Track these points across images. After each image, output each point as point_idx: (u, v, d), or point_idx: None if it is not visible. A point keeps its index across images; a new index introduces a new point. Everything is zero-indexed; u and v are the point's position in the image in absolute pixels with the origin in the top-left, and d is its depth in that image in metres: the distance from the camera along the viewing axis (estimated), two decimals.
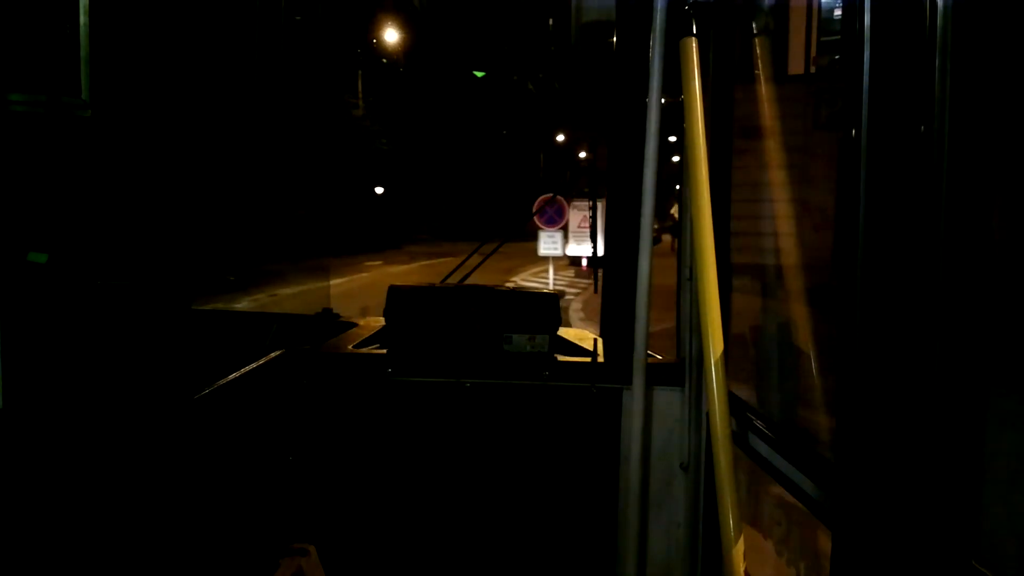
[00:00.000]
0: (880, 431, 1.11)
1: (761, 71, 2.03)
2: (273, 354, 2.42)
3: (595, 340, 2.71)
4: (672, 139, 2.14)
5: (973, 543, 1.05)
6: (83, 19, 2.00)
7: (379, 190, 34.78)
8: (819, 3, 1.84)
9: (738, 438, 1.79)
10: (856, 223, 1.11)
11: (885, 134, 1.09)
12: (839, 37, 1.62)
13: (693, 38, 1.92)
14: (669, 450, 2.30)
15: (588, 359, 2.44)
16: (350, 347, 2.56)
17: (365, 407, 2.39)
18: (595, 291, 2.73)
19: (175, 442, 2.22)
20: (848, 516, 1.18)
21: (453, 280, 2.92)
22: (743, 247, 2.11)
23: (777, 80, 2.00)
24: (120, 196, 2.20)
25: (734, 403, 1.80)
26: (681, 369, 2.28)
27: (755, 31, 2.07)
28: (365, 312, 5.07)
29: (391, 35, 28.20)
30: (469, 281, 2.81)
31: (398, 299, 2.48)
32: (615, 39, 2.44)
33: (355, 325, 2.96)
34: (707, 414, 1.78)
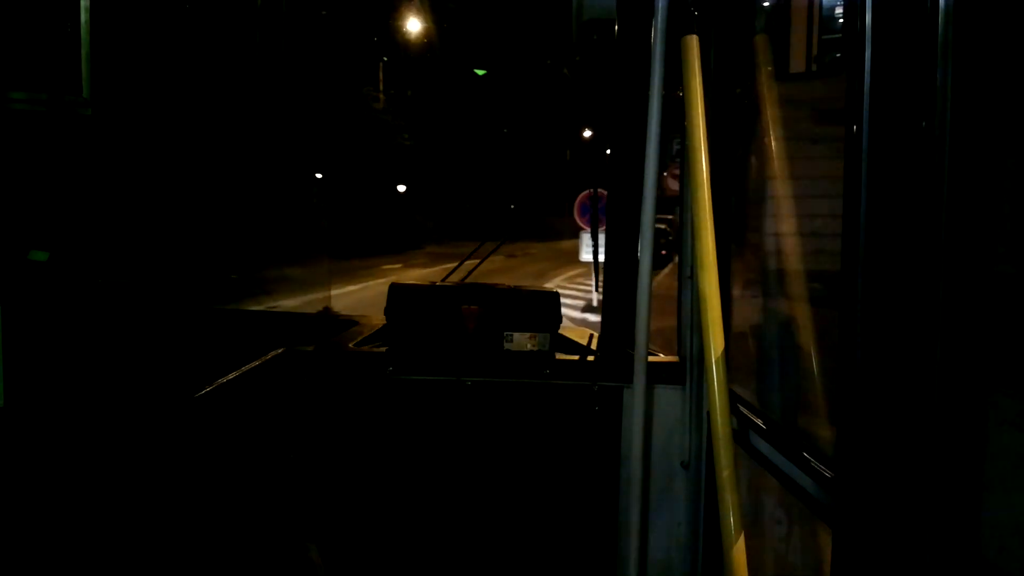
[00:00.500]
0: (881, 430, 1.11)
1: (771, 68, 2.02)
2: (274, 352, 2.42)
3: (596, 338, 2.71)
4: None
5: (974, 542, 1.05)
6: (84, 18, 2.00)
7: (401, 188, 32.97)
8: (821, 1, 1.84)
9: (739, 437, 1.79)
10: (857, 222, 1.11)
11: (887, 133, 1.09)
12: (840, 35, 1.62)
13: (695, 36, 1.91)
14: (670, 448, 2.30)
15: (589, 357, 2.44)
16: (351, 345, 2.57)
17: (366, 405, 2.39)
18: (595, 289, 2.72)
19: (176, 440, 2.22)
20: (848, 515, 1.18)
21: (455, 279, 2.92)
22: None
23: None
24: (121, 194, 2.20)
25: (735, 402, 1.80)
26: (682, 368, 2.28)
27: (756, 29, 2.07)
28: None
29: (414, 24, 26.33)
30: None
31: (399, 297, 2.48)
32: (616, 36, 2.44)
33: (356, 323, 2.96)
34: (708, 413, 1.78)
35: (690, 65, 1.89)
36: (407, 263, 21.94)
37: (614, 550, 2.29)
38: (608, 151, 2.63)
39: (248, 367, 2.28)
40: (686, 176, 1.99)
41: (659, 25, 1.95)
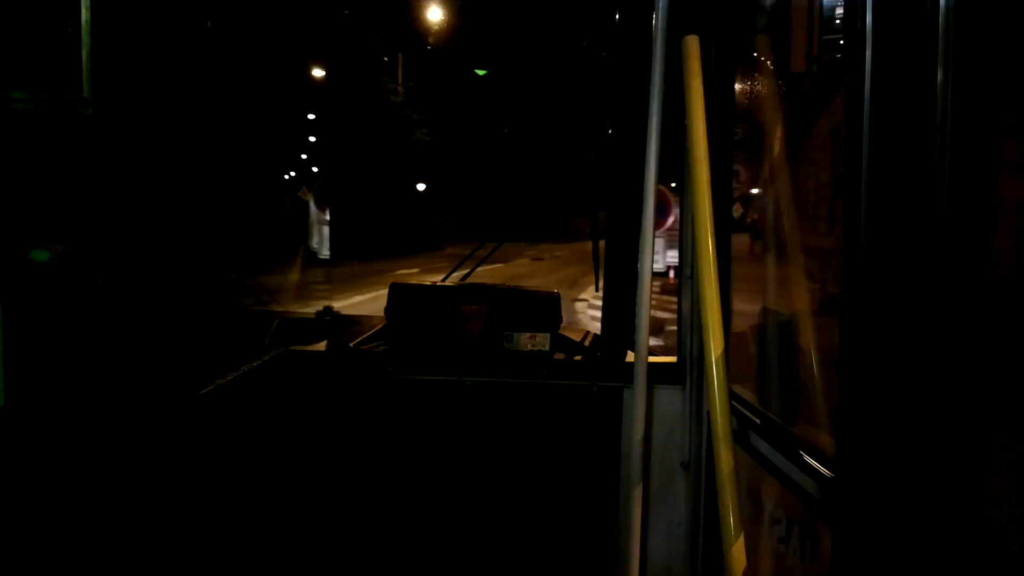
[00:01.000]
0: (881, 430, 1.11)
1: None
2: (274, 352, 2.42)
3: (596, 339, 2.71)
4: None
5: (974, 542, 1.05)
6: (85, 17, 2.00)
7: (420, 187, 31.07)
8: (821, 1, 1.83)
9: (739, 437, 1.79)
10: (857, 222, 1.11)
11: (887, 132, 1.09)
12: (840, 35, 1.62)
13: (695, 36, 1.91)
14: (670, 449, 2.30)
15: (589, 358, 2.45)
16: (351, 345, 2.57)
17: (366, 405, 2.39)
18: (596, 289, 2.71)
19: (176, 440, 2.22)
20: (848, 515, 1.18)
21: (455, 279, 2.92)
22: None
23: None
24: (122, 194, 2.20)
25: (735, 402, 1.80)
26: (682, 368, 2.28)
27: (757, 29, 2.07)
28: None
29: (435, 13, 24.82)
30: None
31: (399, 297, 2.48)
32: (617, 37, 2.44)
33: (356, 323, 2.96)
34: (708, 413, 1.78)
35: (690, 65, 1.89)
36: (426, 266, 19.27)
37: (614, 550, 2.29)
38: (607, 152, 2.63)
39: (249, 367, 2.29)
40: (687, 177, 1.99)
41: (659, 25, 1.95)
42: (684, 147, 1.98)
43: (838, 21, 1.64)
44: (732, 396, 1.78)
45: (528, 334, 2.39)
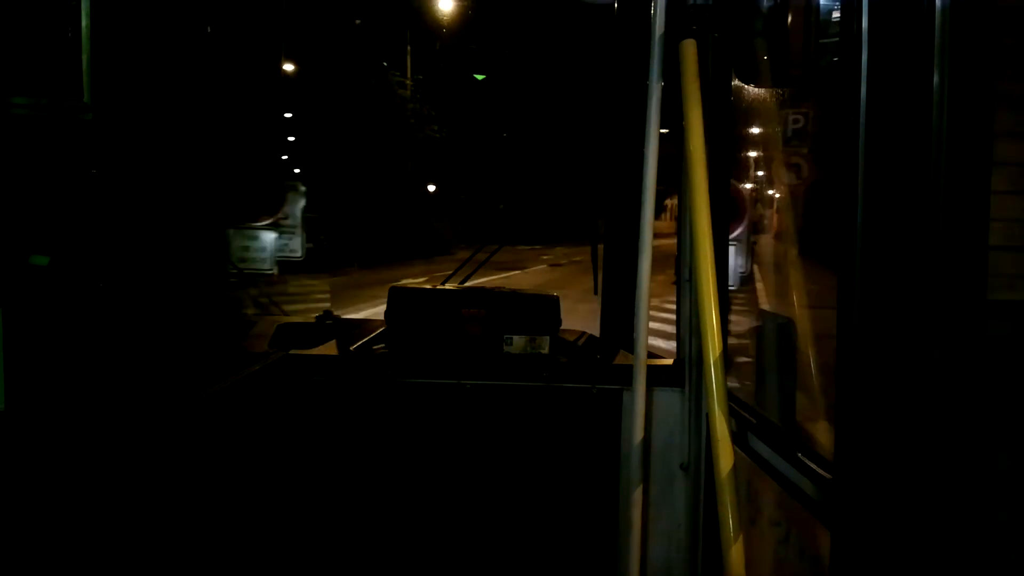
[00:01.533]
0: (879, 432, 1.11)
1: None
2: (275, 356, 2.42)
3: (591, 340, 2.72)
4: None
5: (970, 542, 1.06)
6: (85, 23, 2.01)
7: (431, 188, 29.40)
8: (818, 4, 1.84)
9: (738, 439, 1.80)
10: (854, 224, 1.12)
11: (883, 135, 1.10)
12: (837, 39, 1.63)
13: (692, 40, 1.92)
14: (669, 451, 2.30)
15: (588, 360, 2.45)
16: (351, 348, 2.57)
17: (366, 408, 2.39)
18: (595, 292, 2.72)
19: (176, 443, 2.23)
20: (847, 516, 1.18)
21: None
22: None
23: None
24: (123, 199, 2.21)
25: (733, 404, 1.80)
26: (681, 370, 2.28)
27: (754, 33, 2.08)
28: None
29: (447, 2, 23.12)
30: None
31: (399, 301, 2.48)
32: (615, 41, 2.45)
33: (356, 326, 2.96)
34: (707, 415, 1.79)
35: (688, 69, 1.90)
36: (431, 272, 16.47)
37: (614, 551, 2.30)
38: (607, 154, 2.64)
39: (249, 370, 2.29)
40: (685, 179, 2.00)
41: (657, 30, 1.96)
42: (682, 150, 1.98)
43: (835, 24, 1.65)
44: (731, 398, 1.79)
45: (528, 337, 2.39)
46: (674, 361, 2.33)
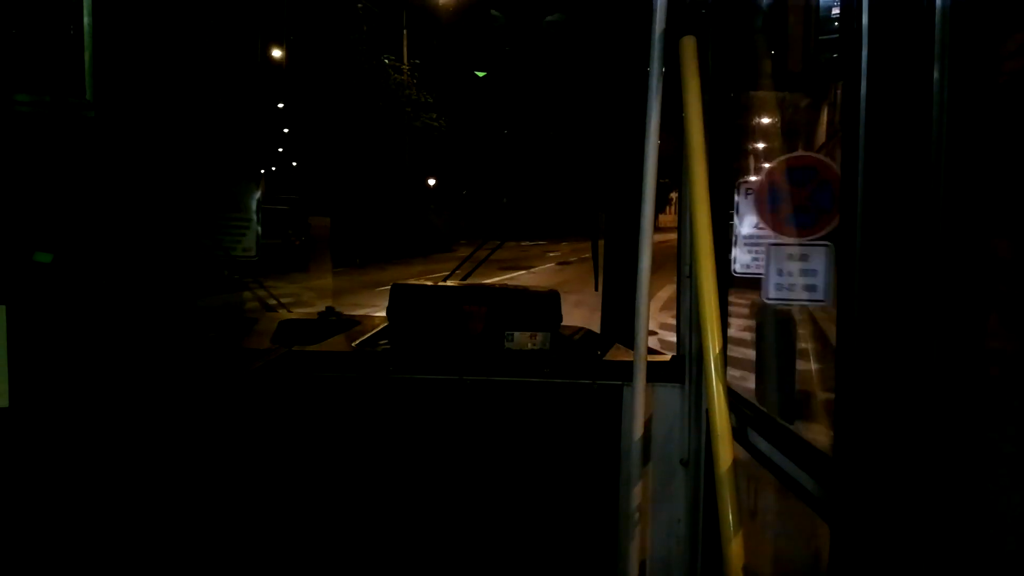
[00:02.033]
0: (879, 427, 1.12)
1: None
2: (278, 352, 2.43)
3: (589, 335, 2.73)
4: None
5: (973, 540, 1.07)
6: (87, 20, 2.02)
7: (431, 181, 27.39)
8: (817, 1, 1.84)
9: (738, 434, 1.80)
10: (854, 220, 1.12)
11: (883, 132, 1.10)
12: (837, 35, 1.63)
13: (692, 36, 1.93)
14: (669, 446, 2.31)
15: (588, 356, 2.46)
16: (353, 345, 2.58)
17: (367, 404, 2.40)
18: (595, 289, 2.73)
19: (178, 440, 2.24)
20: (847, 512, 1.19)
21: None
22: None
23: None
24: (126, 196, 2.21)
25: (733, 399, 1.81)
26: (681, 366, 2.29)
27: (754, 29, 2.08)
28: None
29: None
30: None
31: (400, 297, 2.49)
32: (614, 37, 2.45)
33: (357, 323, 2.97)
34: (707, 410, 1.80)
35: (688, 66, 1.90)
36: (429, 272, 15.69)
37: (614, 547, 2.31)
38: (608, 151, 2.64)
39: (252, 367, 2.30)
40: (686, 176, 2.00)
41: (657, 26, 1.96)
42: (682, 146, 1.99)
43: (835, 21, 1.66)
44: (731, 393, 1.79)
45: (529, 333, 2.40)
46: (674, 357, 2.34)
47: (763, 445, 1.71)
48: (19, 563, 1.92)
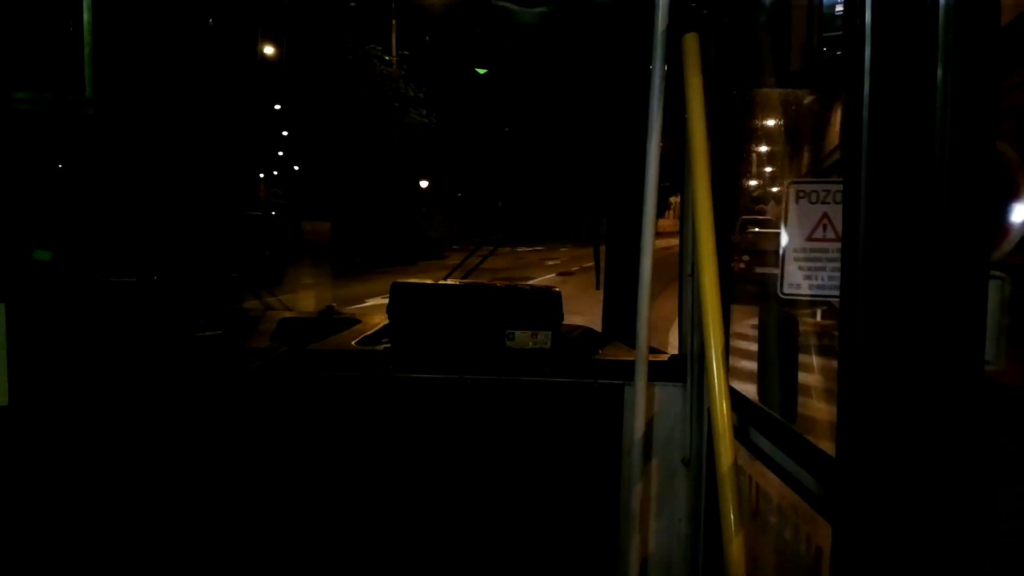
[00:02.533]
0: (881, 426, 1.11)
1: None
2: (278, 351, 2.43)
3: (597, 337, 2.72)
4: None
5: (974, 539, 1.06)
6: (87, 17, 2.01)
7: (423, 183, 25.71)
8: None
9: (739, 433, 1.80)
10: (857, 218, 1.12)
11: (886, 130, 1.10)
12: (840, 32, 1.63)
13: (694, 34, 1.92)
14: (671, 445, 2.31)
15: (590, 355, 2.45)
16: (353, 343, 2.58)
17: (368, 403, 2.40)
18: (597, 287, 2.72)
19: (179, 439, 2.23)
20: (849, 511, 1.18)
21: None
22: None
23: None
24: (126, 192, 2.21)
25: (735, 398, 1.81)
26: (682, 365, 2.28)
27: (757, 27, 2.07)
28: None
29: None
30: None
31: (401, 296, 2.49)
32: (617, 35, 2.44)
33: (358, 322, 2.97)
34: (708, 410, 1.79)
35: (690, 63, 1.90)
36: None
37: (615, 546, 2.30)
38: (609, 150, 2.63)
39: (254, 365, 2.29)
40: (688, 174, 2.00)
41: (660, 24, 1.95)
42: (685, 145, 1.98)
43: (839, 18, 1.65)
44: (732, 392, 1.79)
45: (530, 332, 2.40)
46: (676, 356, 2.33)
47: (765, 444, 1.71)
48: (19, 563, 1.92)
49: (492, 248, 3.36)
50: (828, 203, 1.67)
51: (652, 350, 2.15)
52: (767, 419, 1.75)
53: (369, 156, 21.70)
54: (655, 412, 2.29)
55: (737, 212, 2.10)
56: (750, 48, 2.03)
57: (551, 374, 2.35)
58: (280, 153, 23.82)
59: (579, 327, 2.77)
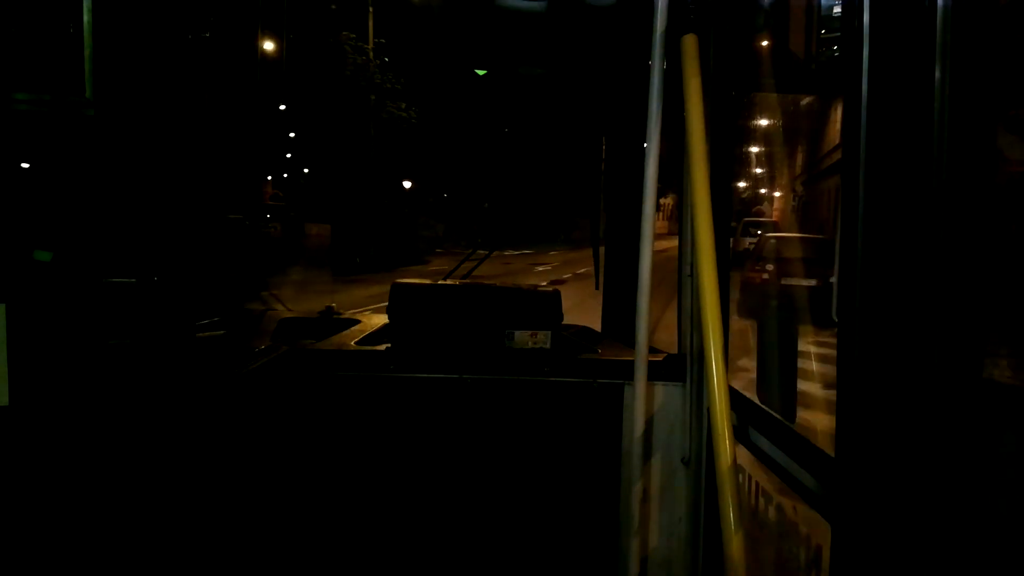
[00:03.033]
0: (880, 426, 1.12)
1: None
2: (279, 351, 2.43)
3: (596, 337, 2.72)
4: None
5: (972, 537, 1.06)
6: (87, 19, 2.01)
7: (407, 183, 23.89)
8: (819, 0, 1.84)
9: (739, 433, 1.80)
10: (856, 218, 1.12)
11: (884, 130, 1.10)
12: (839, 34, 1.63)
13: (693, 35, 1.92)
14: (670, 445, 2.31)
15: (589, 355, 2.46)
16: (353, 343, 2.58)
17: (368, 402, 2.40)
18: (596, 287, 2.73)
19: (179, 438, 2.24)
20: (847, 510, 1.19)
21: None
22: None
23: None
24: (126, 193, 2.21)
25: (734, 398, 1.81)
26: (682, 365, 2.29)
27: (756, 27, 2.08)
28: None
29: None
30: None
31: (401, 296, 2.49)
32: (616, 36, 2.45)
33: (358, 322, 2.97)
34: (708, 409, 1.80)
35: (689, 65, 1.90)
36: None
37: (615, 545, 2.31)
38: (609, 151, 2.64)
39: (254, 365, 2.30)
40: (687, 174, 2.00)
41: (658, 25, 1.96)
42: (684, 146, 1.99)
43: (836, 19, 1.65)
44: (732, 392, 1.79)
45: (529, 332, 2.40)
46: (675, 356, 2.33)
47: (764, 444, 1.71)
48: (19, 562, 1.92)
49: (487, 253, 3.36)
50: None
51: (652, 350, 2.16)
52: (767, 419, 1.76)
53: (346, 154, 20.06)
54: (655, 412, 2.29)
55: (731, 213, 2.10)
56: (749, 49, 2.04)
57: (551, 374, 2.35)
58: (288, 155, 22.93)
59: (575, 326, 2.77)
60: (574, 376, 2.35)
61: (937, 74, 1.04)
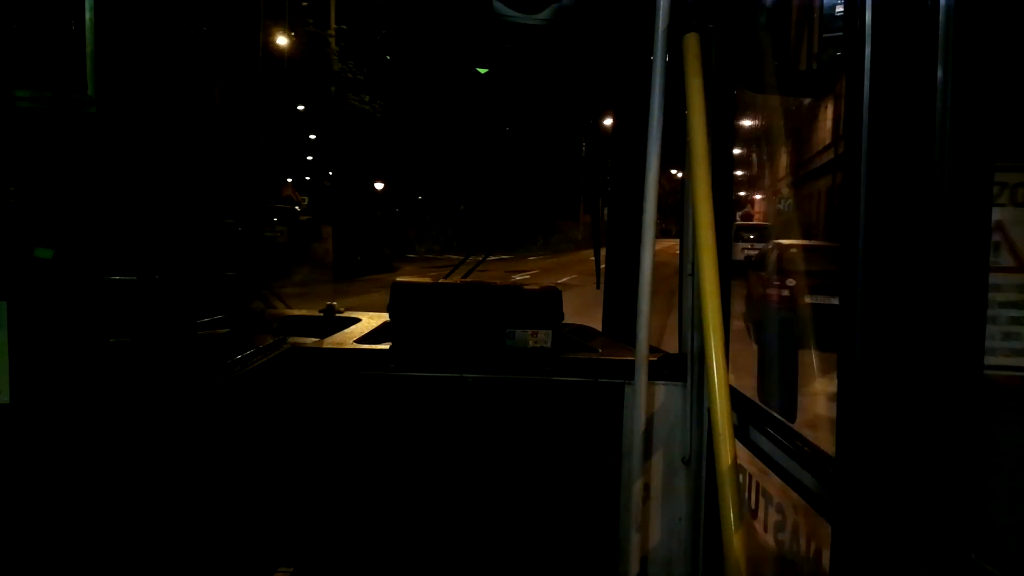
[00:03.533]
0: (880, 426, 1.12)
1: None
2: (280, 348, 2.43)
3: (597, 335, 2.72)
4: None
5: (972, 537, 1.06)
6: (88, 15, 2.01)
7: (378, 184, 22.24)
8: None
9: (739, 432, 1.80)
10: (857, 219, 1.12)
11: (886, 131, 1.10)
12: (841, 33, 1.63)
13: (695, 34, 1.92)
14: (671, 445, 2.31)
15: (590, 354, 2.46)
16: (354, 342, 2.58)
17: (368, 401, 2.40)
18: (597, 287, 2.73)
19: (179, 437, 2.24)
20: (848, 510, 1.19)
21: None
22: None
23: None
24: (128, 191, 2.21)
25: (735, 398, 1.81)
26: (683, 364, 2.29)
27: (757, 27, 2.07)
28: None
29: None
30: None
31: (402, 295, 2.49)
32: (617, 35, 2.44)
33: (358, 321, 2.97)
34: (708, 409, 1.79)
35: (691, 63, 1.90)
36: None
37: (616, 545, 2.31)
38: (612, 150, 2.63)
39: (254, 363, 2.30)
40: (688, 173, 2.00)
41: (660, 23, 1.96)
42: (685, 145, 1.99)
43: (839, 19, 1.65)
44: (732, 392, 1.79)
45: (530, 331, 2.40)
46: (676, 355, 2.33)
47: (765, 444, 1.71)
48: (19, 561, 1.92)
49: (482, 257, 3.35)
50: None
51: (652, 349, 2.16)
52: (767, 418, 1.76)
53: (302, 151, 18.38)
54: (655, 411, 2.29)
55: (733, 213, 2.10)
56: (750, 49, 2.03)
57: (551, 373, 2.35)
58: (309, 157, 21.51)
59: (574, 325, 2.77)
60: (575, 375, 2.35)
61: (939, 74, 1.04)
